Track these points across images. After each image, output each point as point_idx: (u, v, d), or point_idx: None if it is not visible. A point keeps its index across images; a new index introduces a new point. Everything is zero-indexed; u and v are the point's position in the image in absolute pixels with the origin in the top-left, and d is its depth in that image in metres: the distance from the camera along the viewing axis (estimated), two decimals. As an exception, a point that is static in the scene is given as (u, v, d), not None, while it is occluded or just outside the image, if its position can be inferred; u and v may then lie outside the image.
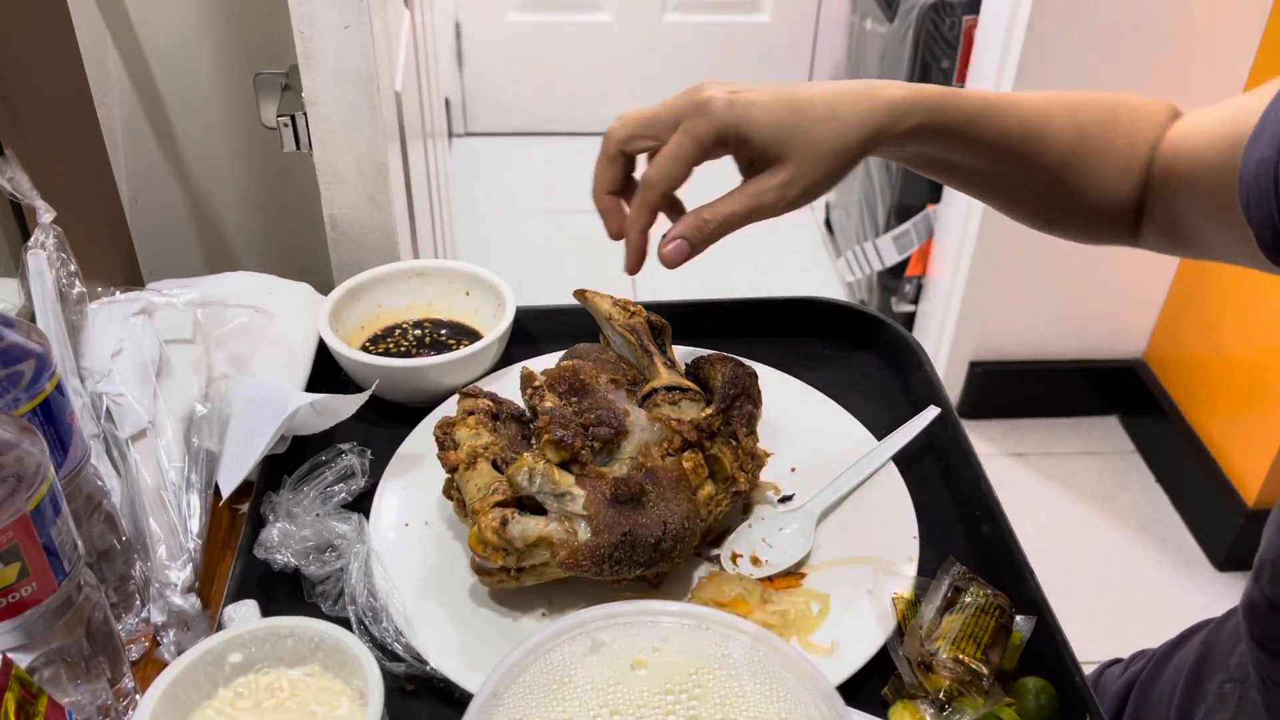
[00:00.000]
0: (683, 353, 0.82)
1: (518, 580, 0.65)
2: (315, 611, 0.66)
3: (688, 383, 0.74)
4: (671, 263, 0.66)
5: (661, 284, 2.73)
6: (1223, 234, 0.65)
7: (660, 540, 0.64)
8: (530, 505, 0.65)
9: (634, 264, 0.69)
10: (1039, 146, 0.68)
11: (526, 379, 0.74)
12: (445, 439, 0.71)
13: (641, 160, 0.69)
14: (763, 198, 0.66)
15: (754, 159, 0.66)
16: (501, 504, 0.65)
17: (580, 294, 0.84)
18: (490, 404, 0.73)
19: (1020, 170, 0.69)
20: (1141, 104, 0.71)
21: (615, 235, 0.69)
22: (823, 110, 0.65)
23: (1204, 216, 0.66)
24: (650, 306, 0.84)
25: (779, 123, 0.65)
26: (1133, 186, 0.70)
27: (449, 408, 0.79)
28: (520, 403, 0.76)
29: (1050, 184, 0.70)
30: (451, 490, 0.70)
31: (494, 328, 0.85)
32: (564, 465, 0.66)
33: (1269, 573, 0.54)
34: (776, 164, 0.65)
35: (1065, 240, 0.76)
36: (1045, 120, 0.69)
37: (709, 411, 0.71)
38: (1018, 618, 0.64)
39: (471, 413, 0.72)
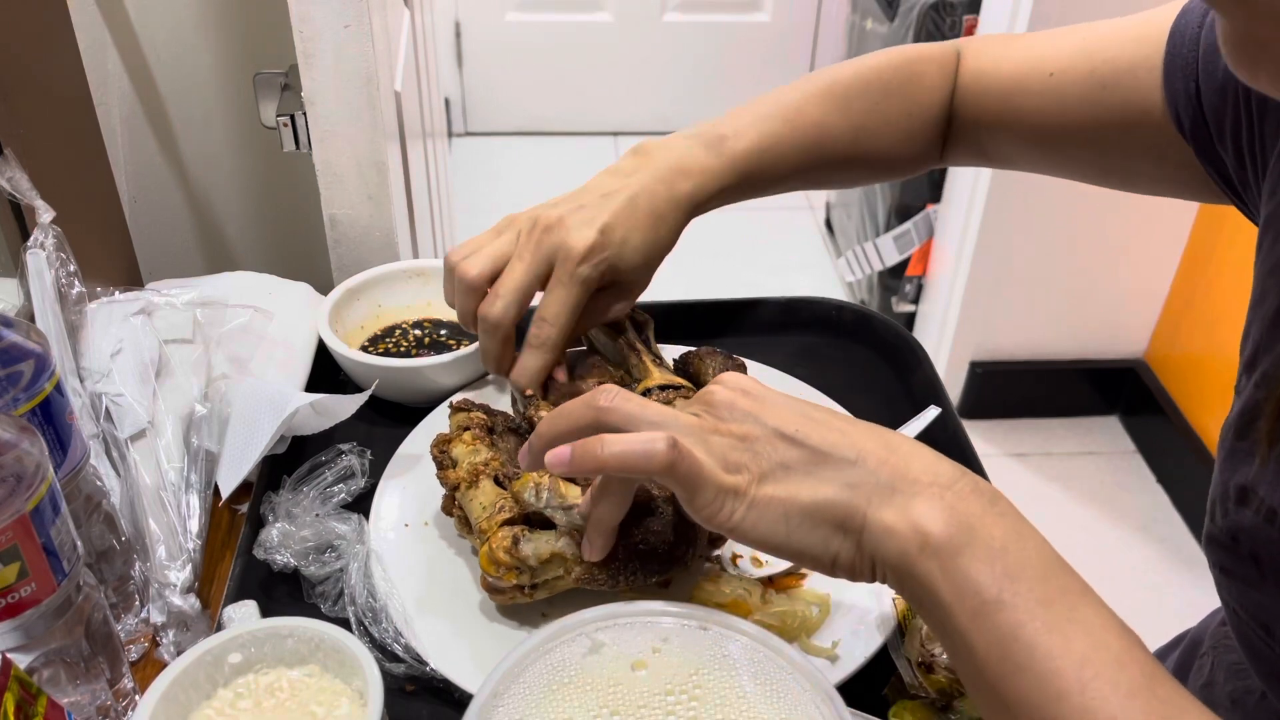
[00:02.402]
0: (678, 352, 0.82)
1: (530, 597, 0.64)
2: (315, 612, 0.66)
3: (680, 380, 0.74)
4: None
5: (661, 284, 2.74)
6: (1072, 160, 0.73)
7: (674, 546, 0.63)
8: (538, 520, 0.65)
9: (534, 387, 0.73)
10: (825, 154, 0.77)
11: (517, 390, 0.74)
12: (443, 458, 0.70)
13: None
14: (616, 314, 0.75)
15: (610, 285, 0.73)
16: (509, 522, 0.64)
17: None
18: (484, 417, 0.72)
19: (819, 171, 0.78)
20: (912, 70, 0.77)
21: (502, 371, 0.74)
22: (649, 226, 0.73)
23: (1055, 148, 0.73)
24: (649, 307, 0.84)
25: (646, 264, 0.73)
26: (927, 137, 0.79)
27: (447, 411, 0.79)
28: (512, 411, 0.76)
29: (850, 170, 0.80)
30: (453, 507, 0.69)
31: (494, 328, 0.85)
32: (568, 476, 0.66)
33: (1220, 506, 0.58)
34: (628, 292, 0.75)
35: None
36: (821, 133, 0.77)
37: None
38: (1018, 618, 0.64)
39: (466, 428, 0.71)
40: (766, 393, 0.54)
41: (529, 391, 0.73)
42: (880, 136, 0.78)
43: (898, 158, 0.79)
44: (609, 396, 0.53)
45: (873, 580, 0.50)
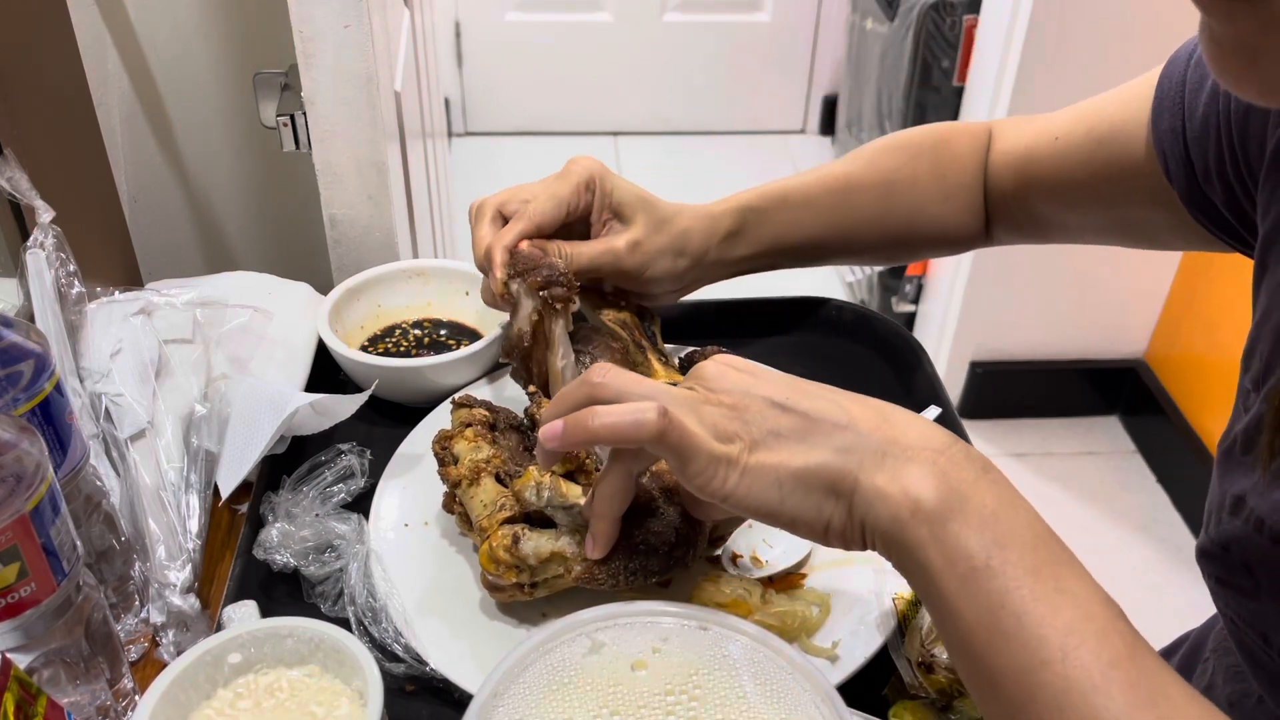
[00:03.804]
0: (679, 352, 0.82)
1: (530, 595, 0.64)
2: (315, 612, 0.66)
3: (683, 378, 0.74)
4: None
5: (661, 284, 2.74)
6: (1086, 219, 0.75)
7: (674, 546, 0.63)
8: (539, 519, 0.65)
9: (498, 285, 0.73)
10: (848, 203, 0.80)
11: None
12: (444, 454, 0.70)
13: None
14: (611, 247, 0.76)
15: (610, 215, 0.76)
16: (510, 520, 0.64)
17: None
18: (486, 414, 0.72)
19: (841, 233, 0.81)
20: (941, 136, 0.81)
21: (483, 268, 0.75)
22: (671, 207, 0.78)
23: (1068, 208, 0.75)
24: (650, 307, 0.84)
25: (636, 193, 0.77)
26: (962, 206, 0.80)
27: (449, 409, 0.79)
28: (518, 407, 0.76)
29: (875, 234, 0.81)
30: (454, 505, 0.69)
31: (494, 328, 0.85)
32: (569, 476, 0.65)
33: (1215, 517, 0.58)
34: (628, 224, 0.76)
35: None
36: (848, 179, 0.80)
37: None
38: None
39: (468, 424, 0.71)
40: (756, 367, 0.55)
41: (532, 389, 0.73)
42: (912, 193, 0.80)
43: (936, 217, 0.80)
44: (602, 372, 0.54)
45: (864, 547, 0.51)
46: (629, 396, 0.52)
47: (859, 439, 0.50)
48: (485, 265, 0.74)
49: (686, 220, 0.78)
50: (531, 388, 0.76)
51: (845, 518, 0.50)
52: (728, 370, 0.54)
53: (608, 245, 0.75)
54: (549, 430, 0.54)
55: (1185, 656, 0.77)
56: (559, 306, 0.72)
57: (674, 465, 0.51)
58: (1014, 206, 0.79)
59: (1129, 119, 0.68)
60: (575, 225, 0.77)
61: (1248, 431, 0.57)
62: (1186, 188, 0.64)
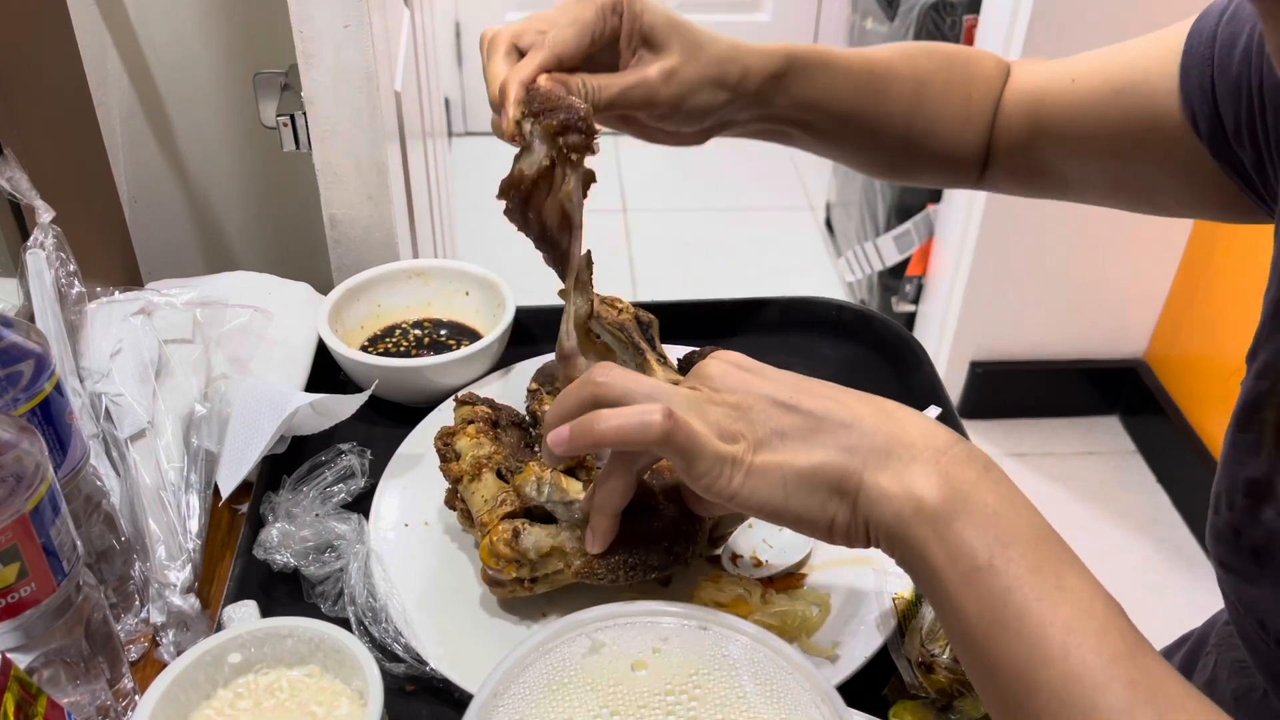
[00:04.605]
0: (678, 352, 0.82)
1: (530, 590, 0.65)
2: (315, 612, 0.66)
3: (683, 379, 0.74)
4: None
5: (661, 284, 2.74)
6: (1090, 172, 0.73)
7: (674, 542, 0.63)
8: (539, 514, 0.65)
9: (510, 124, 0.65)
10: (884, 89, 0.74)
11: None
12: (446, 450, 0.70)
13: None
14: (644, 78, 0.67)
15: (640, 43, 0.68)
16: (510, 515, 0.64)
17: (565, 294, 0.83)
18: (488, 411, 0.73)
19: (869, 118, 0.74)
20: (972, 55, 0.77)
21: (497, 105, 0.67)
22: (705, 33, 0.71)
23: (1074, 157, 0.72)
24: (650, 307, 0.84)
25: (669, 16, 0.68)
26: (976, 133, 0.76)
27: (448, 408, 0.79)
28: (518, 407, 0.76)
29: (897, 131, 0.75)
30: (455, 501, 0.70)
31: (494, 328, 0.85)
32: (570, 472, 0.66)
33: (1226, 501, 0.59)
34: (660, 51, 0.68)
35: (916, 185, 0.84)
36: (888, 66, 0.74)
37: None
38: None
39: (470, 421, 0.71)
40: (759, 365, 0.55)
41: (532, 385, 0.73)
42: (940, 102, 0.76)
43: (952, 136, 0.76)
44: (604, 372, 0.54)
45: (867, 544, 0.51)
46: (633, 397, 0.52)
47: (863, 438, 0.50)
48: (498, 103, 0.66)
49: (725, 49, 0.71)
50: (532, 384, 0.76)
51: (849, 516, 0.50)
52: (731, 369, 0.54)
53: (639, 76, 0.67)
54: (556, 436, 0.53)
55: (1187, 654, 0.78)
56: (574, 157, 0.65)
57: (679, 465, 0.51)
58: (1017, 149, 0.76)
59: (1152, 70, 0.66)
60: (601, 55, 0.68)
61: (1245, 408, 0.58)
62: (1216, 145, 0.63)
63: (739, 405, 0.52)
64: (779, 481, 0.50)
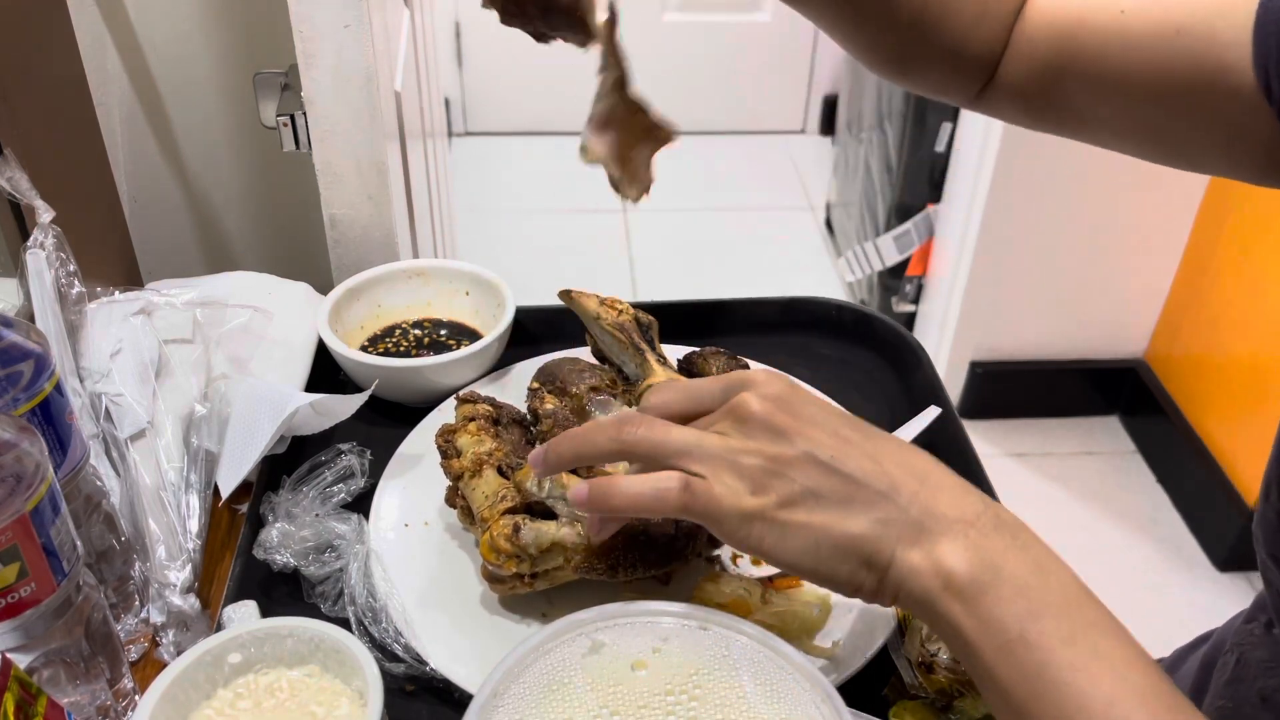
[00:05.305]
0: (678, 352, 0.82)
1: (531, 586, 0.65)
2: (315, 612, 0.66)
3: (683, 378, 0.74)
4: None
5: (661, 284, 2.74)
6: (1122, 115, 0.65)
7: (674, 538, 0.64)
8: (540, 510, 0.65)
9: None
10: None
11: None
12: (448, 447, 0.70)
13: None
14: None
15: None
16: (511, 511, 0.64)
17: (565, 294, 0.83)
18: (489, 409, 0.73)
19: (885, 4, 0.67)
20: None
21: None
22: None
23: (1108, 97, 0.66)
24: (649, 307, 0.84)
25: None
26: (988, 35, 0.69)
27: (448, 408, 0.79)
28: (519, 405, 0.76)
29: (911, 19, 0.68)
30: (456, 498, 0.70)
31: (494, 328, 0.85)
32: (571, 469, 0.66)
33: (1277, 491, 0.58)
34: None
35: (914, 92, 0.74)
36: None
37: None
38: (1018, 618, 0.64)
39: (472, 419, 0.71)
40: (802, 404, 0.53)
41: (534, 385, 0.73)
42: None
43: (963, 31, 0.68)
44: (634, 428, 0.53)
45: (893, 605, 0.51)
46: (662, 454, 0.52)
47: (898, 512, 0.50)
48: None
49: None
50: (533, 383, 0.76)
51: (877, 585, 0.50)
52: (773, 413, 0.52)
53: None
54: (576, 494, 0.54)
55: (1206, 655, 0.77)
56: None
57: (705, 525, 0.52)
58: (1036, 75, 0.68)
59: (1218, 16, 0.59)
60: None
61: None
62: None
63: (776, 459, 0.51)
64: (811, 544, 0.50)
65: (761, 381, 0.54)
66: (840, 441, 0.52)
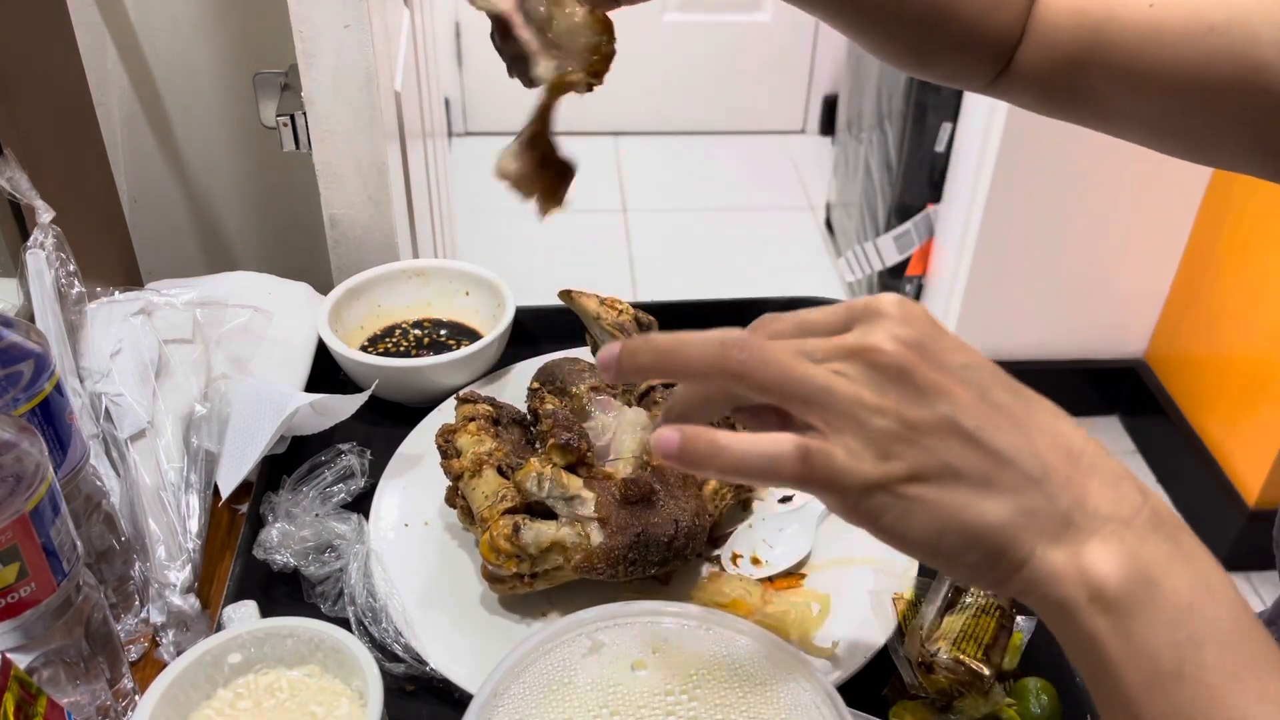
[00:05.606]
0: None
1: (531, 586, 0.65)
2: (315, 612, 0.66)
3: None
4: None
5: (661, 284, 2.74)
6: (1147, 110, 0.63)
7: (674, 538, 0.63)
8: (540, 510, 0.65)
9: None
10: None
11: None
12: (448, 447, 0.70)
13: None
14: None
15: None
16: (511, 510, 0.64)
17: (565, 294, 0.83)
18: (490, 409, 0.73)
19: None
20: None
21: None
22: None
23: (1135, 93, 0.63)
24: (649, 307, 0.84)
25: None
26: (1007, 20, 0.66)
27: (448, 408, 0.79)
28: (519, 405, 0.76)
29: (922, 11, 0.65)
30: (456, 498, 0.70)
31: (494, 328, 0.85)
32: (570, 468, 0.66)
33: None
34: None
35: (933, 82, 0.73)
36: None
37: None
38: (1018, 618, 0.64)
39: (472, 419, 0.71)
40: (946, 350, 0.44)
41: (534, 385, 0.73)
42: None
43: (981, 15, 0.66)
44: (743, 351, 0.44)
45: (1010, 597, 0.45)
46: (780, 389, 0.43)
47: (1044, 501, 0.42)
48: None
49: None
50: (533, 383, 0.76)
51: (1003, 580, 0.43)
52: (912, 363, 0.43)
53: None
54: (663, 442, 0.43)
55: None
56: None
57: (814, 495, 0.44)
58: (1059, 64, 0.66)
59: (1256, 12, 0.57)
60: None
61: None
62: None
63: (915, 424, 0.42)
64: (937, 525, 0.42)
65: (895, 316, 0.44)
66: (989, 408, 0.44)
